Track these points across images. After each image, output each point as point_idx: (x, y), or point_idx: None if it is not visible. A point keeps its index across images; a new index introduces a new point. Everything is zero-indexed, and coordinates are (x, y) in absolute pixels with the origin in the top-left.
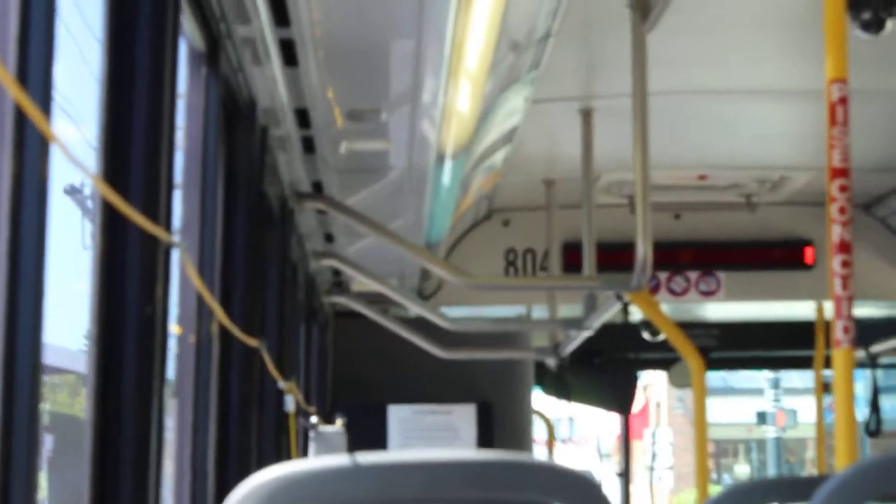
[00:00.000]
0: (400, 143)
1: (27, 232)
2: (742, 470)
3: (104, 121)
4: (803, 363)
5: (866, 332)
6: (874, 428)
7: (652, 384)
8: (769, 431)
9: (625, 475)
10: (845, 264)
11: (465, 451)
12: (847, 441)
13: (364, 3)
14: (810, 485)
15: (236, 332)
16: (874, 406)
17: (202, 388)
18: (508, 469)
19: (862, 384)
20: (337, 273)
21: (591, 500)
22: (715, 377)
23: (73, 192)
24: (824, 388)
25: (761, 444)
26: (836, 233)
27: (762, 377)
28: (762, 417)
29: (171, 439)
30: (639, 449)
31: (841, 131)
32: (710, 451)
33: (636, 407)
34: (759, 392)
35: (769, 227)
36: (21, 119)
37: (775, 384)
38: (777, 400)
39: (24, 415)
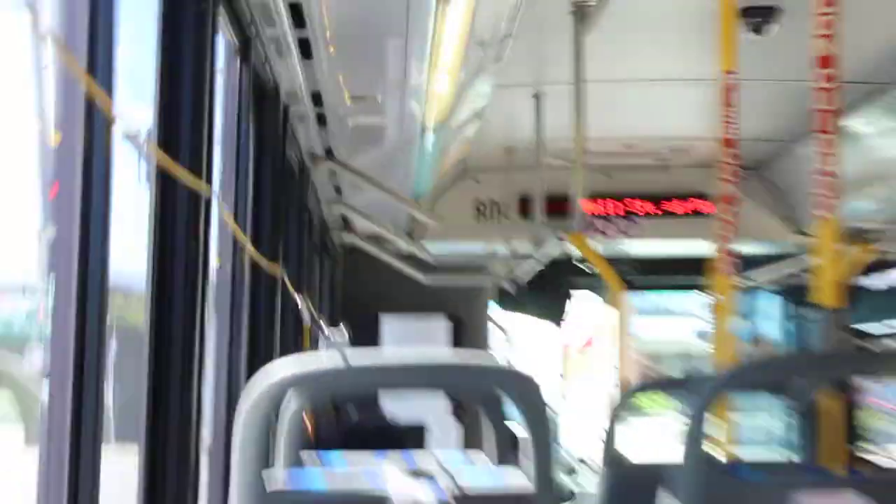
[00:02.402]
0: (392, 119)
1: (97, 182)
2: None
3: (158, 102)
4: (702, 288)
5: (748, 264)
6: (753, 342)
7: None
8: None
9: (563, 376)
10: (729, 203)
11: (427, 349)
12: (726, 347)
13: (365, 10)
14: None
15: (263, 262)
16: (751, 324)
17: (236, 306)
18: (459, 367)
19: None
20: (344, 218)
21: (526, 392)
22: (658, 302)
23: (131, 138)
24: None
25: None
26: (726, 189)
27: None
28: (702, 335)
29: (211, 347)
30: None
31: (732, 111)
32: (649, 362)
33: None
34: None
35: (679, 184)
36: (91, 99)
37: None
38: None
39: (94, 326)
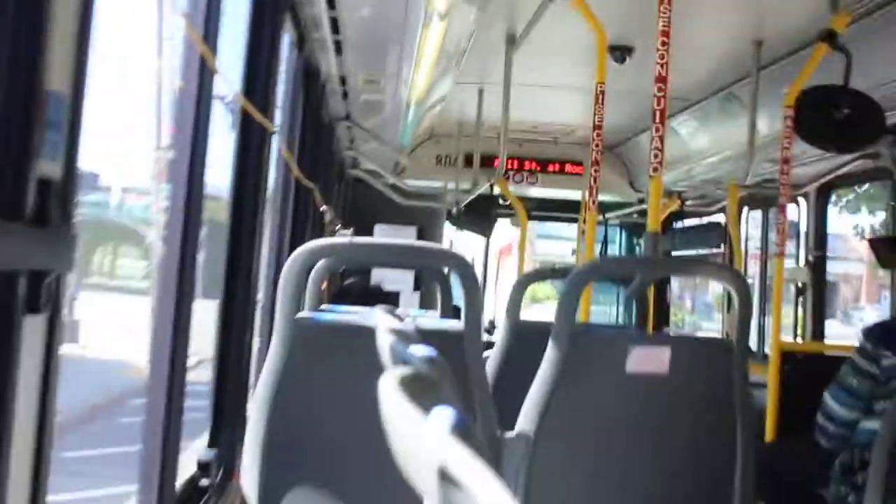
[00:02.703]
0: (389, 97)
1: (202, 123)
2: None
3: (245, 69)
4: (576, 220)
5: (605, 208)
6: (602, 253)
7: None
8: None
9: (485, 267)
10: (595, 165)
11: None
12: (589, 255)
13: (376, 26)
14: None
15: (303, 180)
16: (605, 241)
17: (282, 205)
18: (421, 249)
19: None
20: (354, 159)
21: (464, 268)
22: (551, 229)
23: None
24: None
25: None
26: (592, 150)
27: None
28: (574, 252)
29: (267, 234)
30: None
31: (600, 108)
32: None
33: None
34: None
35: (565, 154)
36: (202, 60)
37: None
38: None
39: (195, 218)
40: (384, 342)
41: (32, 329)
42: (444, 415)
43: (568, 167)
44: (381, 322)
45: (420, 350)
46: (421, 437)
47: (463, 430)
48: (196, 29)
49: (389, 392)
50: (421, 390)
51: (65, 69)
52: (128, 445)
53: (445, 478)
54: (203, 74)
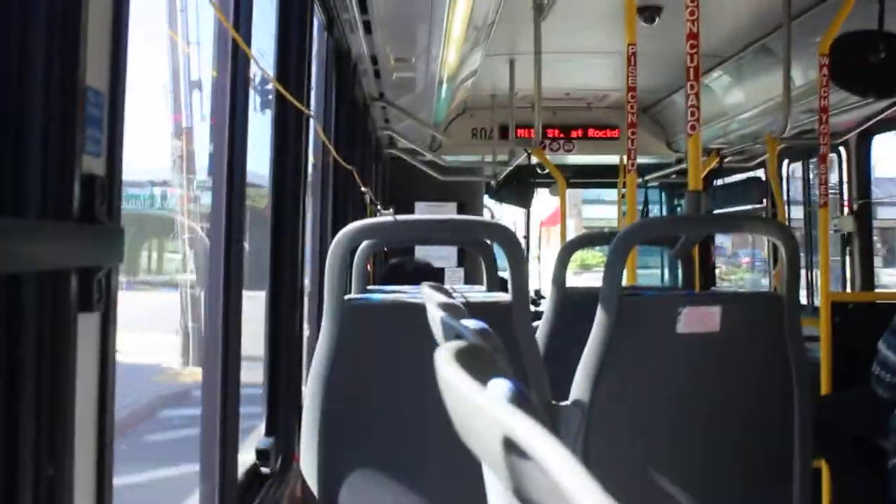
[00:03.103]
0: (421, 74)
1: (240, 113)
2: None
3: (277, 53)
4: (615, 185)
5: (644, 170)
6: (644, 215)
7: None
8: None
9: (527, 238)
10: (632, 127)
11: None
12: (631, 218)
13: (404, 7)
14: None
15: (342, 162)
16: (645, 203)
17: (323, 189)
18: (464, 223)
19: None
20: (390, 138)
21: (508, 239)
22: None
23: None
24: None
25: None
26: (628, 114)
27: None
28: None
29: (309, 217)
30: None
31: (633, 70)
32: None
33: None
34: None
35: (600, 119)
36: (235, 48)
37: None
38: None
39: (237, 206)
40: (435, 318)
41: (86, 327)
42: (503, 385)
43: (604, 132)
44: (429, 298)
45: (471, 324)
46: (482, 409)
47: (523, 400)
48: (227, 16)
49: (446, 366)
50: (477, 363)
51: (103, 65)
52: (153, 469)
53: (511, 447)
54: (237, 61)
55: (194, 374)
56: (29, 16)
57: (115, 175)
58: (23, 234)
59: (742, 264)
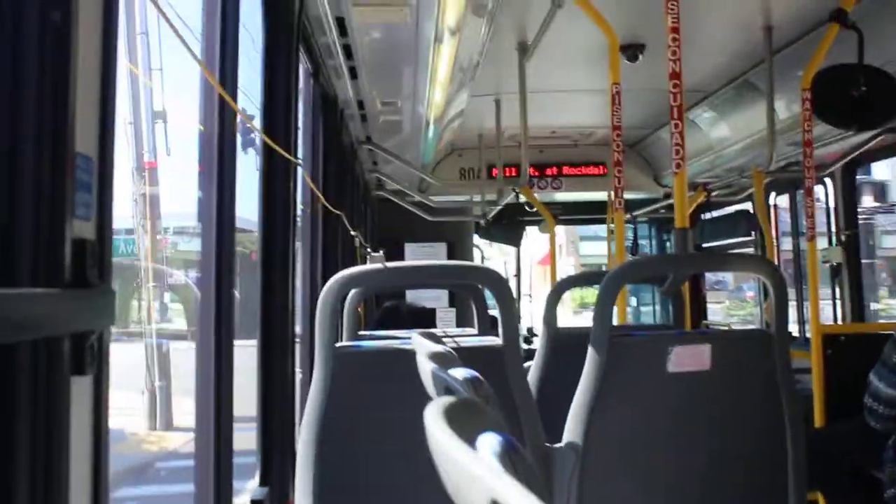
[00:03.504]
0: (407, 117)
1: (228, 164)
2: None
3: (263, 103)
4: (604, 221)
5: (632, 205)
6: (633, 252)
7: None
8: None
9: (517, 276)
10: (618, 165)
11: (434, 261)
12: (620, 256)
13: (389, 47)
14: (603, 275)
15: (330, 207)
16: (634, 239)
17: (312, 235)
18: (454, 268)
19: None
20: (378, 180)
21: (496, 283)
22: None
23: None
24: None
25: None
26: (614, 152)
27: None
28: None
29: (300, 264)
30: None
31: (617, 109)
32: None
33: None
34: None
35: (586, 156)
36: (222, 102)
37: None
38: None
39: (227, 249)
40: (425, 369)
41: (80, 390)
42: (492, 442)
43: (591, 168)
44: (420, 347)
45: (461, 373)
46: (470, 472)
47: (512, 457)
48: (213, 71)
49: (434, 426)
50: (466, 418)
51: (91, 132)
52: None
53: None
54: (224, 115)
55: (162, 440)
56: (20, 85)
57: (106, 238)
58: (16, 303)
59: (748, 298)
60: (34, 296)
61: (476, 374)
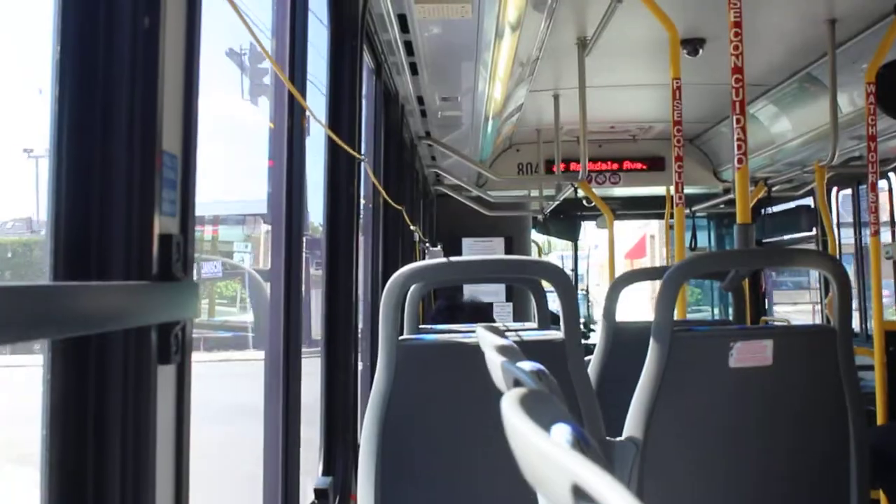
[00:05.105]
0: (467, 113)
1: (296, 159)
2: None
3: (329, 101)
4: (662, 216)
5: (691, 200)
6: (692, 246)
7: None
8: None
9: (574, 271)
10: (679, 160)
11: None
12: (680, 251)
13: (449, 44)
14: (664, 270)
15: (391, 202)
16: (693, 234)
17: (374, 229)
18: (516, 262)
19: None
20: (437, 175)
21: (558, 277)
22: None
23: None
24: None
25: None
26: (675, 146)
27: None
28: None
29: (362, 256)
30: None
31: (678, 103)
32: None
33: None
34: None
35: (645, 151)
36: (291, 99)
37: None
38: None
39: (296, 240)
40: (494, 362)
41: (165, 378)
42: (564, 431)
43: (649, 163)
44: (485, 341)
45: (527, 366)
46: (551, 457)
47: (585, 445)
48: (284, 70)
49: (512, 413)
50: (540, 408)
51: (176, 130)
52: None
53: (580, 495)
54: (293, 112)
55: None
56: (113, 87)
57: (189, 233)
58: (110, 295)
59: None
60: (126, 288)
61: (541, 366)
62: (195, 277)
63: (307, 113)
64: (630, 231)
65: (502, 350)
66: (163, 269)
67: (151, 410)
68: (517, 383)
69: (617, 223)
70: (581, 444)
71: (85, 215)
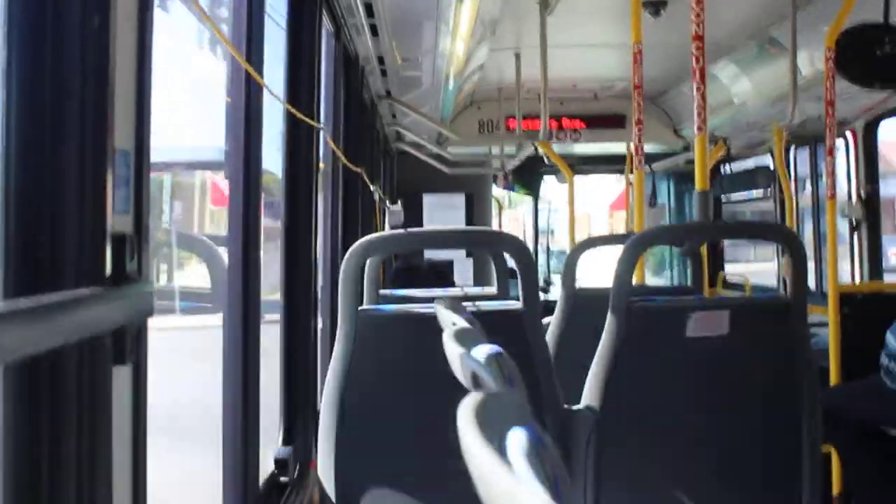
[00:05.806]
0: (427, 72)
1: (253, 134)
2: None
3: (289, 69)
4: (622, 172)
5: (651, 158)
6: (652, 203)
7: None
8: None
9: (535, 227)
10: (639, 124)
11: (454, 226)
12: (639, 212)
13: (410, 4)
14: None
15: (349, 164)
16: (653, 192)
17: (334, 188)
18: (476, 234)
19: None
20: (398, 133)
21: (517, 247)
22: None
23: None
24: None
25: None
26: (635, 109)
27: None
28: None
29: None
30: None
31: (639, 67)
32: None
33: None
34: None
35: (606, 108)
36: (248, 77)
37: None
38: None
39: (254, 202)
40: (452, 352)
41: (120, 378)
42: (520, 439)
43: (610, 121)
44: (445, 319)
45: (485, 349)
46: (500, 486)
47: (540, 452)
48: (240, 49)
49: (467, 430)
50: (497, 415)
51: (129, 127)
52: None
53: None
54: (250, 88)
55: None
56: (63, 85)
57: (143, 231)
58: (64, 308)
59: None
60: (78, 299)
61: (499, 349)
62: (152, 274)
63: (265, 90)
64: (612, 184)
65: (460, 336)
66: (117, 270)
67: (107, 410)
68: (475, 377)
69: (597, 177)
70: (539, 449)
71: (35, 218)
